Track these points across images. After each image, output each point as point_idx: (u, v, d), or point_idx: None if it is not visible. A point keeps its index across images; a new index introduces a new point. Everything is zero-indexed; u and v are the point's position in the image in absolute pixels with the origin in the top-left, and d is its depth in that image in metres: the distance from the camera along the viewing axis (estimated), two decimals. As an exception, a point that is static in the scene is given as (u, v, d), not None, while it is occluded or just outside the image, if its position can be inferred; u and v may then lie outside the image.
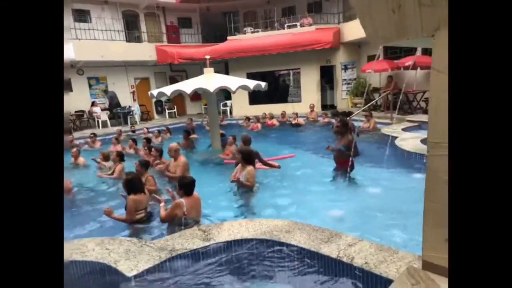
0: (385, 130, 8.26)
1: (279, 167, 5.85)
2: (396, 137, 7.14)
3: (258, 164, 5.81)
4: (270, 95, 14.30)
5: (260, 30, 15.17)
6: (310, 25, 14.19)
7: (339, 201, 4.54)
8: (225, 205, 4.77)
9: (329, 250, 2.53)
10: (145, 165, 5.13)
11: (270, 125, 11.70)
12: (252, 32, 15.05)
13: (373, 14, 2.00)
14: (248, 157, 4.88)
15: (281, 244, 2.76)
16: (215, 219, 4.17)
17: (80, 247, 2.90)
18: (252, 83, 7.68)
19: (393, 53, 12.56)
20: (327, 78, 14.89)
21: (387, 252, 2.43)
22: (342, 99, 14.49)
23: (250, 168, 4.79)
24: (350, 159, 5.19)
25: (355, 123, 8.76)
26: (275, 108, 13.31)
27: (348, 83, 14.37)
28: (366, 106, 11.06)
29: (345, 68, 14.32)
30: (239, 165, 5.01)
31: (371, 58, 13.40)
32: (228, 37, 15.07)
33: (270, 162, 6.02)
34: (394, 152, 6.53)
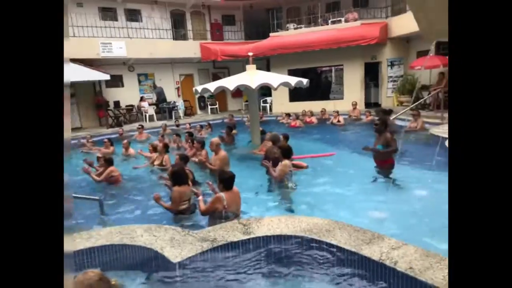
0: (435, 130, 7.77)
1: (306, 167, 5.75)
2: (446, 138, 6.70)
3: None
4: (312, 92, 14.07)
5: (303, 26, 14.98)
6: (356, 20, 13.72)
7: (381, 202, 4.38)
8: (264, 200, 4.83)
9: (371, 252, 2.47)
10: (184, 159, 5.34)
11: (309, 122, 11.56)
12: (295, 29, 14.91)
13: (428, 7, 1.91)
14: (285, 152, 4.92)
15: (321, 242, 2.75)
16: (254, 214, 4.24)
17: (130, 232, 3.12)
18: (293, 80, 7.64)
19: (445, 48, 11.73)
20: (372, 75, 14.33)
21: (434, 258, 2.32)
22: (387, 97, 13.86)
23: (284, 162, 4.82)
24: (390, 157, 4.97)
25: (402, 123, 8.36)
26: (316, 106, 13.09)
27: (394, 80, 13.71)
28: (414, 104, 10.47)
29: (392, 64, 13.67)
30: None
31: (421, 54, 12.64)
32: (271, 34, 15.07)
33: (297, 162, 5.89)
34: (444, 153, 6.13)
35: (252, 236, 2.90)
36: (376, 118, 6.66)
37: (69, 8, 12.82)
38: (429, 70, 11.71)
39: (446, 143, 6.37)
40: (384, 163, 5.11)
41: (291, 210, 4.45)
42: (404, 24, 11.70)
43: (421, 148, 6.95)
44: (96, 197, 4.51)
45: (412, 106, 9.92)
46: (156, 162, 6.66)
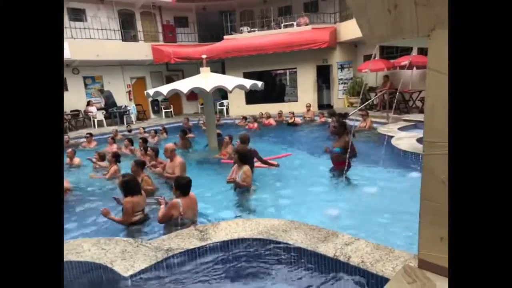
0: (381, 129, 8.29)
1: (278, 165, 5.87)
2: (392, 137, 7.17)
3: (257, 163, 5.82)
4: (267, 94, 14.28)
5: (256, 29, 15.16)
6: (307, 24, 14.20)
7: (336, 201, 4.55)
8: (222, 205, 4.76)
9: (326, 249, 2.53)
10: (141, 165, 5.11)
11: (267, 124, 11.71)
12: (248, 32, 15.02)
13: (369, 14, 2.01)
14: (244, 157, 4.88)
15: (278, 243, 2.77)
16: (212, 219, 4.16)
17: (76, 247, 2.88)
18: (248, 83, 7.68)
19: (389, 52, 12.61)
20: (323, 77, 14.92)
21: (383, 251, 2.44)
22: (339, 99, 14.52)
23: (246, 168, 4.78)
24: (347, 160, 5.21)
25: (352, 123, 8.80)
26: (272, 108, 13.31)
27: (345, 83, 14.40)
28: (363, 105, 11.10)
29: (342, 67, 14.35)
30: (235, 165, 5.00)
31: (367, 57, 13.44)
32: (225, 37, 15.03)
33: (269, 161, 6.03)
34: (390, 151, 6.56)
35: (209, 242, 2.83)
36: (330, 120, 6.94)
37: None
38: (375, 73, 12.48)
39: (392, 141, 6.81)
40: (342, 165, 5.30)
41: (248, 213, 4.44)
42: (351, 29, 12.35)
43: (370, 147, 7.36)
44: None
45: (361, 107, 10.50)
46: (104, 172, 6.27)
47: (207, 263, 2.85)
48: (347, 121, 5.66)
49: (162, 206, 3.65)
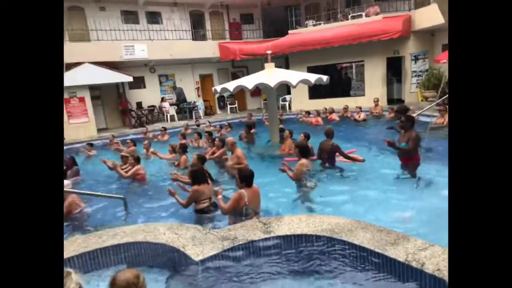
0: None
1: (363, 160, 5.60)
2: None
3: (340, 158, 5.73)
4: (332, 89, 13.86)
5: (322, 22, 14.76)
6: (377, 14, 13.35)
7: (406, 202, 4.24)
8: (282, 199, 4.80)
9: (396, 253, 2.39)
10: (201, 159, 5.39)
11: (330, 119, 11.38)
12: (313, 25, 14.71)
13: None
14: (303, 151, 4.84)
15: (343, 242, 2.70)
16: (273, 212, 4.23)
17: (153, 230, 3.18)
18: (313, 77, 7.54)
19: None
20: (394, 70, 13.91)
21: (463, 260, 2.21)
22: (411, 93, 13.42)
23: (301, 161, 4.74)
24: (419, 157, 4.82)
25: (427, 119, 8.08)
26: (337, 103, 12.87)
27: (419, 75, 13.25)
28: (441, 99, 10.07)
29: (416, 59, 13.22)
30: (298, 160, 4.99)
31: (446, 47, 12.14)
32: (289, 31, 14.95)
33: (353, 156, 5.85)
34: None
35: (272, 235, 2.89)
36: (398, 115, 6.47)
37: (92, 12, 13.24)
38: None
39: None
40: (409, 161, 4.95)
41: (311, 210, 4.40)
42: (429, 16, 11.27)
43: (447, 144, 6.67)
44: (121, 196, 4.64)
45: (439, 101, 9.55)
46: (176, 163, 6.78)
47: (270, 255, 2.90)
48: (419, 117, 5.22)
49: (219, 197, 3.79)
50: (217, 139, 6.89)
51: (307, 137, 6.52)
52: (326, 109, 12.10)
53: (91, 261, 2.93)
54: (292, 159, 6.47)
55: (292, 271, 2.85)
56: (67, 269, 1.22)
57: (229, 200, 3.78)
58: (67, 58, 11.84)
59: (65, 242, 3.23)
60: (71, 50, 12.15)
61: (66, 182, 4.52)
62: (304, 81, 7.57)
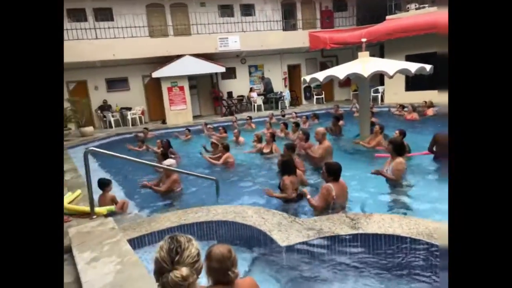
0: None
1: None
2: None
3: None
4: (434, 79, 12.34)
5: (426, 5, 13.18)
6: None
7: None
8: (371, 197, 4.55)
9: None
10: (291, 148, 5.43)
11: (426, 115, 10.20)
12: (416, 9, 13.25)
13: None
14: (398, 148, 4.46)
15: (442, 249, 2.43)
16: (359, 209, 4.05)
17: (242, 212, 3.39)
18: (414, 66, 6.83)
19: None
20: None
21: None
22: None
23: (399, 160, 4.37)
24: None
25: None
26: (439, 96, 11.38)
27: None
28: None
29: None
30: (390, 156, 4.64)
31: None
32: (387, 17, 13.79)
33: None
34: None
35: (360, 231, 2.78)
36: None
37: (193, 8, 14.41)
38: None
39: None
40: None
41: (403, 210, 4.07)
42: None
43: None
44: (213, 177, 5.04)
45: None
46: (265, 150, 7.00)
47: (355, 252, 2.81)
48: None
49: (308, 197, 3.73)
50: (300, 132, 6.88)
51: (403, 134, 6.00)
52: (425, 102, 10.87)
53: (188, 233, 3.29)
54: (383, 155, 6.06)
55: (377, 272, 2.71)
56: (189, 236, 1.39)
57: (316, 194, 3.76)
58: (172, 51, 13.25)
59: (167, 213, 3.68)
60: (174, 44, 13.54)
61: (172, 161, 5.13)
62: (403, 71, 6.93)
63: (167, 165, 4.86)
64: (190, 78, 14.00)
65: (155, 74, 13.08)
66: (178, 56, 13.19)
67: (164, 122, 13.63)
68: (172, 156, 6.71)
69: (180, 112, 13.68)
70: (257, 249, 3.10)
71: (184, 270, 1.24)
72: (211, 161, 6.53)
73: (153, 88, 14.30)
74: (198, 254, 1.34)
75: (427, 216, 3.63)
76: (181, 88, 13.64)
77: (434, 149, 5.57)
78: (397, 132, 5.98)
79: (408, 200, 4.29)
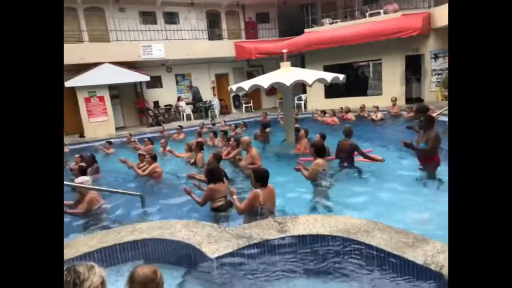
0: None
1: (382, 160, 5.49)
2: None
3: (358, 157, 5.67)
4: (348, 88, 13.68)
5: (339, 20, 14.58)
6: (396, 11, 13.08)
7: (425, 203, 4.15)
8: (298, 199, 4.78)
9: (414, 255, 2.34)
10: (217, 158, 5.42)
11: (346, 119, 11.24)
12: (330, 23, 14.55)
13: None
14: (319, 151, 4.80)
15: (359, 244, 2.66)
16: (289, 212, 4.21)
17: (170, 227, 3.23)
18: (329, 76, 7.47)
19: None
20: (413, 68, 13.59)
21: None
22: (431, 92, 13.09)
23: (316, 161, 4.70)
24: (439, 157, 4.71)
25: (447, 118, 7.85)
26: (353, 102, 12.69)
27: (439, 74, 12.90)
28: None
29: (436, 57, 12.87)
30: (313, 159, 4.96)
31: (469, 44, 11.76)
32: (305, 30, 14.85)
33: (372, 155, 5.77)
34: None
35: (287, 234, 2.88)
36: (418, 115, 6.35)
37: (111, 13, 13.54)
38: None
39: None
40: (428, 161, 4.83)
41: (327, 210, 4.36)
42: (450, 13, 10.96)
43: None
44: (138, 193, 4.73)
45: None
46: (191, 161, 6.85)
47: (285, 255, 2.90)
48: (439, 117, 5.09)
49: (234, 197, 3.81)
50: (232, 139, 6.93)
51: (323, 137, 6.46)
52: (342, 108, 11.96)
53: (109, 256, 3.01)
54: (308, 158, 6.42)
55: (306, 271, 2.83)
56: (90, 263, 1.25)
57: (244, 199, 3.80)
58: (88, 58, 12.19)
59: (85, 237, 3.33)
60: (91, 50, 12.50)
61: (86, 178, 4.65)
62: (321, 80, 7.50)
63: (79, 183, 4.42)
64: (111, 87, 13.05)
65: (69, 83, 11.83)
66: (96, 64, 12.20)
67: (82, 135, 12.41)
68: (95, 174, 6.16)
69: (100, 124, 12.62)
70: (187, 264, 2.98)
71: None
72: (137, 171, 6.15)
73: (67, 99, 12.91)
74: (102, 283, 1.22)
75: (345, 214, 3.95)
76: (101, 98, 12.61)
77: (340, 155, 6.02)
78: (317, 135, 6.40)
79: (331, 199, 4.61)
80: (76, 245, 3.09)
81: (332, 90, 13.85)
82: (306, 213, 4.09)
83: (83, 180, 4.49)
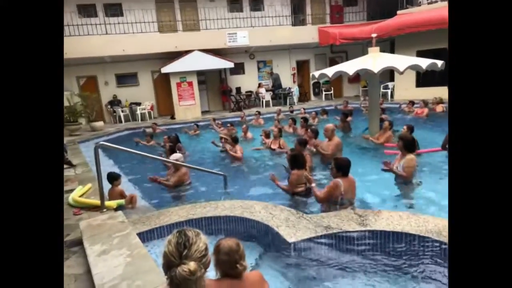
0: None
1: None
2: None
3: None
4: (443, 76, 12.12)
5: (439, 0, 12.91)
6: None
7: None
8: (380, 194, 4.51)
9: None
10: (303, 143, 5.41)
11: (434, 110, 10.05)
12: (429, 3, 12.99)
13: None
14: (409, 145, 4.40)
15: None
16: (368, 205, 4.02)
17: (250, 207, 3.40)
18: (425, 62, 6.72)
19: None
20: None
21: None
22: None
23: (410, 157, 4.30)
24: None
25: None
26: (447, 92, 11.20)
27: None
28: None
29: None
30: (400, 153, 4.58)
31: None
32: (398, 12, 13.55)
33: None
34: None
35: (368, 228, 2.77)
36: None
37: (202, 3, 14.38)
38: None
39: None
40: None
41: (409, 207, 4.03)
42: None
43: None
44: (222, 173, 5.06)
45: None
46: (273, 146, 7.00)
47: (363, 250, 2.80)
48: None
49: (313, 185, 3.77)
50: (309, 130, 6.84)
51: (411, 129, 5.93)
52: (435, 98, 10.71)
53: (196, 227, 3.32)
54: (392, 151, 5.99)
55: (385, 269, 2.70)
56: (196, 230, 1.40)
57: (324, 188, 3.75)
58: (180, 47, 13.28)
59: (176, 208, 3.72)
60: (183, 39, 13.56)
61: (178, 155, 5.16)
62: (414, 67, 6.82)
63: (175, 159, 4.90)
64: (199, 73, 14.02)
65: (164, 70, 13.15)
66: (187, 52, 13.22)
67: (173, 117, 13.72)
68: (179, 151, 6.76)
69: (188, 108, 13.75)
70: (264, 244, 3.11)
71: (192, 265, 1.26)
72: (232, 153, 6.53)
73: (162, 84, 14.38)
74: (206, 249, 1.35)
75: (437, 214, 3.59)
76: (190, 84, 13.68)
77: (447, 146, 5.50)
78: (405, 127, 5.91)
79: (417, 197, 4.24)
80: (169, 213, 3.49)
81: (426, 78, 12.47)
82: (388, 209, 3.85)
83: (177, 157, 4.99)
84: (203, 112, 14.36)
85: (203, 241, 1.36)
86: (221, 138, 7.38)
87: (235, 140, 6.64)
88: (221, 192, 4.89)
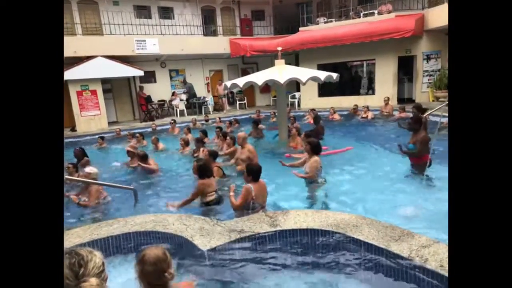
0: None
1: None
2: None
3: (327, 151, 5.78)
4: (342, 87, 13.79)
5: (333, 20, 14.66)
6: (390, 12, 13.21)
7: (413, 200, 4.26)
8: (290, 195, 4.85)
9: (400, 248, 2.43)
10: (213, 155, 5.46)
11: (332, 119, 11.34)
12: (325, 22, 14.63)
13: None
14: (315, 148, 4.86)
15: (348, 237, 2.74)
16: (280, 207, 4.28)
17: (162, 220, 3.27)
18: (323, 74, 7.54)
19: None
20: (405, 69, 13.77)
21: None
22: (422, 92, 13.27)
23: (313, 159, 4.75)
24: (428, 156, 4.82)
25: (438, 119, 8.01)
26: (346, 101, 12.81)
27: (431, 75, 13.09)
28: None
29: (428, 58, 13.05)
30: (304, 155, 5.03)
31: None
32: (300, 28, 14.90)
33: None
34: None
35: (278, 228, 2.94)
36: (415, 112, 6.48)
37: (105, 6, 13.40)
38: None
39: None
40: (417, 161, 4.95)
41: (317, 205, 4.44)
42: (442, 15, 11.12)
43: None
44: (131, 187, 4.75)
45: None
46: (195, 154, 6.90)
47: (275, 248, 2.96)
48: (429, 117, 5.21)
49: (231, 193, 3.85)
50: (228, 138, 6.95)
51: (317, 134, 6.55)
52: (332, 108, 12.03)
53: (102, 249, 3.04)
54: (297, 154, 6.52)
55: (296, 264, 2.91)
56: (88, 248, 1.29)
57: (238, 196, 3.85)
58: (80, 52, 12.06)
59: (79, 229, 3.35)
60: (84, 44, 12.37)
61: (94, 169, 4.62)
62: (314, 79, 7.57)
63: (88, 173, 4.45)
64: (104, 81, 12.94)
65: (61, 77, 11.73)
66: (89, 58, 12.09)
67: (73, 129, 12.31)
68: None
69: (93, 118, 12.52)
70: (179, 257, 3.03)
71: (93, 280, 1.17)
72: (145, 166, 6.05)
73: (59, 92, 12.78)
74: (103, 264, 1.27)
75: (336, 210, 4.03)
76: (94, 92, 12.50)
77: None
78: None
79: (322, 195, 4.69)
80: (68, 236, 3.11)
81: (325, 89, 13.94)
82: (298, 209, 4.16)
83: (92, 171, 4.50)
84: (110, 123, 13.26)
85: (99, 257, 1.27)
86: (127, 151, 6.88)
87: (144, 157, 6.15)
88: (131, 208, 4.58)
